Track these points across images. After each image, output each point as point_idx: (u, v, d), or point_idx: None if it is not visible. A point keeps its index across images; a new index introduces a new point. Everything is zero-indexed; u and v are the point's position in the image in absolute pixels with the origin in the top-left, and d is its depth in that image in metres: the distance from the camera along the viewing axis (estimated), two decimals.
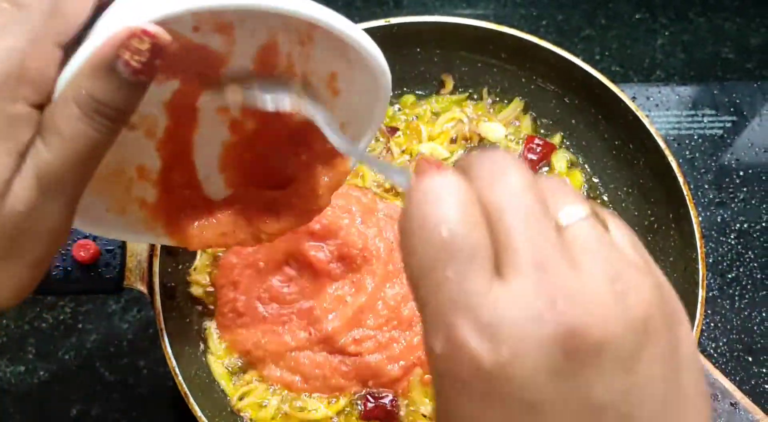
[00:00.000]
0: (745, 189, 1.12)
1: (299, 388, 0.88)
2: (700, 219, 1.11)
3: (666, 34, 1.31)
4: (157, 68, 0.37)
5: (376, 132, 0.58)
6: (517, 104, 1.00)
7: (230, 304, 0.90)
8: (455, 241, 0.29)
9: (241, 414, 0.87)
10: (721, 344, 1.05)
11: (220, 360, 0.89)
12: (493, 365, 0.28)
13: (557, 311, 0.28)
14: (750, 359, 1.03)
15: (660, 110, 1.18)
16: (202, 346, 0.90)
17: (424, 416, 0.86)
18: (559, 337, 0.27)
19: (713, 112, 1.17)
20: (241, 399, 0.87)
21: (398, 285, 0.90)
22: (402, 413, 0.87)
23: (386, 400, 0.87)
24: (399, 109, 1.02)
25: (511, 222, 0.29)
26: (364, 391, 0.87)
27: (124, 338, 1.07)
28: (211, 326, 0.91)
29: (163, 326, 0.80)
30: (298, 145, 0.56)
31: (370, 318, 0.88)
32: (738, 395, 0.74)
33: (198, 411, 0.77)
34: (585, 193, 0.98)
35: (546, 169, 0.99)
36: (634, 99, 1.17)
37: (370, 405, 0.86)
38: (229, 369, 0.89)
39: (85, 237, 0.80)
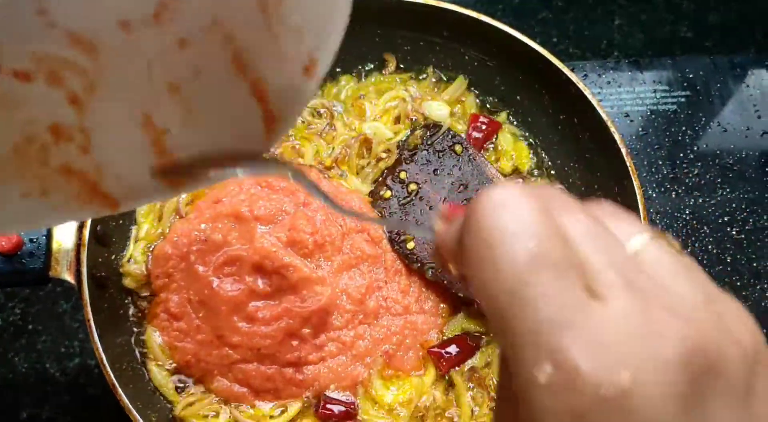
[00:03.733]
0: (699, 164, 1.11)
1: (250, 401, 0.84)
2: (654, 195, 1.10)
3: (624, 14, 1.29)
4: None
5: (337, 45, 0.52)
6: (461, 82, 0.98)
7: (162, 305, 0.86)
8: (546, 254, 0.26)
9: None
10: None
11: (159, 365, 0.86)
12: (614, 393, 0.24)
13: (675, 328, 0.25)
14: None
15: (612, 87, 1.16)
16: (134, 338, 0.87)
17: (384, 407, 0.84)
18: (683, 356, 0.24)
19: (666, 87, 1.16)
20: (190, 405, 0.84)
21: (359, 275, 0.86)
22: (359, 404, 0.84)
23: (344, 400, 0.83)
24: (343, 87, 1.00)
25: (589, 247, 0.27)
26: (319, 393, 0.83)
27: (75, 338, 1.04)
28: (150, 330, 0.87)
29: (90, 317, 0.77)
30: None
31: (336, 318, 0.84)
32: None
33: (126, 401, 0.74)
34: (533, 168, 0.96)
35: (492, 146, 0.97)
36: (586, 76, 1.16)
37: (328, 406, 0.83)
38: (172, 377, 0.86)
39: None
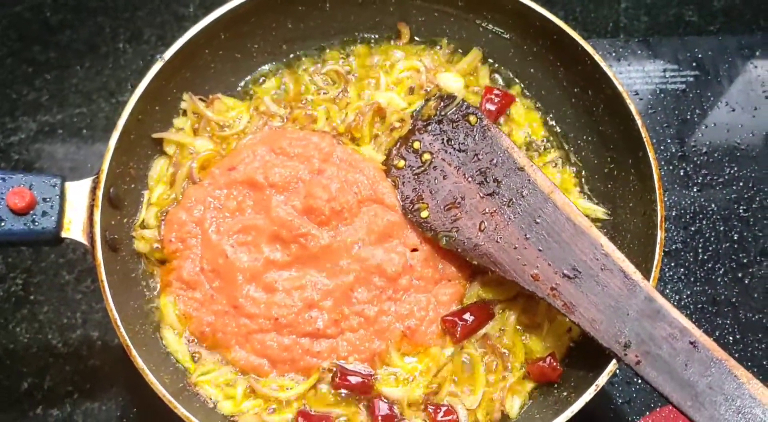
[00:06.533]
0: (707, 142, 1.11)
1: (266, 372, 0.83)
2: (662, 172, 1.10)
3: None
4: None
5: None
6: (476, 54, 0.98)
7: (175, 272, 0.85)
8: None
9: (198, 389, 0.83)
10: (684, 296, 1.04)
11: (173, 332, 0.85)
12: None
13: None
14: (714, 310, 1.02)
15: (622, 65, 1.16)
16: (147, 303, 0.86)
17: (400, 379, 0.84)
18: None
19: (675, 67, 1.16)
20: (205, 374, 0.83)
21: (391, 251, 0.84)
22: (377, 377, 0.83)
23: (362, 371, 0.83)
24: (357, 56, 0.99)
25: None
26: (336, 363, 0.83)
27: (77, 310, 1.03)
28: (164, 298, 0.86)
29: (104, 278, 0.76)
30: None
31: (362, 293, 0.84)
32: (697, 333, 0.72)
33: (140, 361, 0.74)
34: (546, 141, 0.96)
35: (505, 119, 0.97)
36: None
37: (345, 377, 0.82)
38: (187, 344, 0.85)
39: (20, 184, 0.76)
